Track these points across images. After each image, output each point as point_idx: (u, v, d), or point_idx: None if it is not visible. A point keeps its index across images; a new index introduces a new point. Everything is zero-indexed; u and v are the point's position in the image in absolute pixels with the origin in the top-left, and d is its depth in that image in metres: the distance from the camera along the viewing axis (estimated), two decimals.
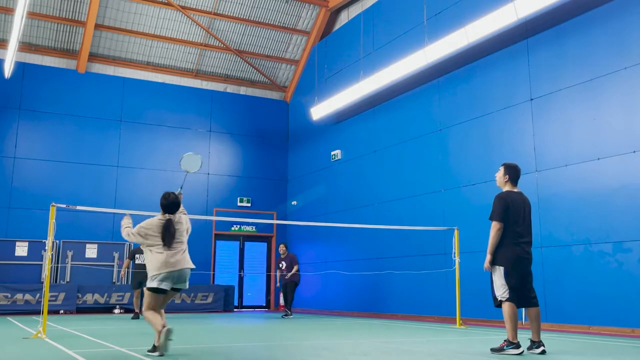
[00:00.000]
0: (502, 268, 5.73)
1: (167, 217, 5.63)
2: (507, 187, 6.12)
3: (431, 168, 12.44)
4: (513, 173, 6.13)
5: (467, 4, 11.69)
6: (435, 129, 12.47)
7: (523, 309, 6.05)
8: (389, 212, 13.51)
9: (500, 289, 5.76)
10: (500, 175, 6.20)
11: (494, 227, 5.82)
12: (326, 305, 15.66)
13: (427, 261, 12.13)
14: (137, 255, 12.35)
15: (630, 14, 8.86)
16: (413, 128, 13.11)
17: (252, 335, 8.25)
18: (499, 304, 5.81)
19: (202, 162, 7.09)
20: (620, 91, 8.88)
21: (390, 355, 5.58)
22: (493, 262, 5.80)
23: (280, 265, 13.69)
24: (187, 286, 5.67)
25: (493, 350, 5.81)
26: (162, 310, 5.64)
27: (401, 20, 13.68)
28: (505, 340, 5.72)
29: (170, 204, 5.68)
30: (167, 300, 5.65)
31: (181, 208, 5.86)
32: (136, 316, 11.88)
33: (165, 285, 5.48)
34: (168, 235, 5.51)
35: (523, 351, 5.62)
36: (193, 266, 5.70)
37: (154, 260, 5.49)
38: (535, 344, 5.78)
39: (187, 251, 5.72)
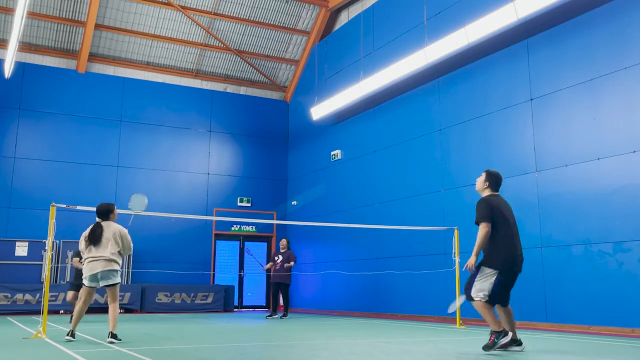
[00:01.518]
0: (494, 272, 5.74)
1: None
2: (486, 193, 6.14)
3: (431, 168, 12.44)
4: (494, 181, 6.15)
5: (467, 4, 11.69)
6: (435, 129, 12.47)
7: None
8: (389, 212, 13.50)
9: (481, 292, 5.77)
10: (481, 180, 6.21)
11: (483, 228, 5.80)
12: (326, 305, 15.66)
13: (427, 261, 12.13)
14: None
15: (630, 14, 8.86)
16: (413, 128, 13.11)
17: (252, 336, 8.25)
18: (471, 299, 5.83)
19: (146, 202, 8.25)
20: (620, 91, 8.88)
21: (390, 355, 5.58)
22: (485, 264, 5.80)
23: (276, 258, 13.23)
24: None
25: (486, 347, 5.74)
26: None
27: (401, 20, 13.68)
28: (492, 334, 5.68)
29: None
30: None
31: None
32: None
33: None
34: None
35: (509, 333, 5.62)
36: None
37: None
38: (517, 342, 5.80)
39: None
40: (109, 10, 15.70)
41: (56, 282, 14.26)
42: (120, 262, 6.86)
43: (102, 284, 6.67)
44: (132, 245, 7.04)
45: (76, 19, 15.61)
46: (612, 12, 9.14)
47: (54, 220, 7.71)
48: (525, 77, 10.44)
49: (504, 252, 5.78)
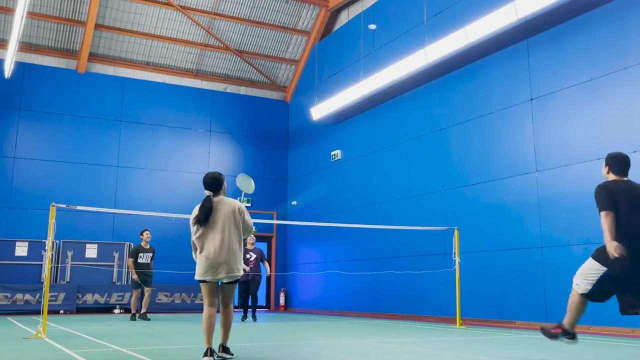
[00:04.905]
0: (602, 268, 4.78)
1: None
2: (611, 177, 5.11)
3: (431, 168, 12.44)
4: (615, 163, 5.08)
5: (467, 4, 11.69)
6: (435, 129, 12.47)
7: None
8: (389, 212, 13.50)
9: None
10: (602, 168, 5.27)
11: (602, 217, 4.82)
12: (326, 305, 15.66)
13: (427, 261, 12.13)
14: (140, 254, 12.07)
15: (630, 14, 8.86)
16: (413, 128, 13.11)
17: (252, 336, 8.25)
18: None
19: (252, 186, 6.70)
20: (620, 91, 8.88)
21: (390, 355, 5.58)
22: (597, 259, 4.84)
23: (249, 256, 11.85)
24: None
25: (545, 331, 5.36)
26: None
27: (401, 20, 13.68)
28: (559, 327, 5.25)
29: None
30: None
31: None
32: (133, 317, 11.78)
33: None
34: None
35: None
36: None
37: None
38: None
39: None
40: (109, 10, 15.70)
41: (56, 282, 14.26)
42: (242, 248, 5.34)
43: (222, 278, 5.12)
44: (253, 225, 5.44)
45: (76, 19, 15.61)
46: (612, 12, 9.13)
47: (54, 220, 7.70)
48: (525, 77, 10.44)
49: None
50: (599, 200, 4.90)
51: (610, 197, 4.83)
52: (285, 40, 17.86)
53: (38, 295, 13.38)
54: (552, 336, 5.20)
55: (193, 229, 5.18)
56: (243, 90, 18.53)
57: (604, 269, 4.74)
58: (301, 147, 17.92)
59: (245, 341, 7.30)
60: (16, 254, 14.21)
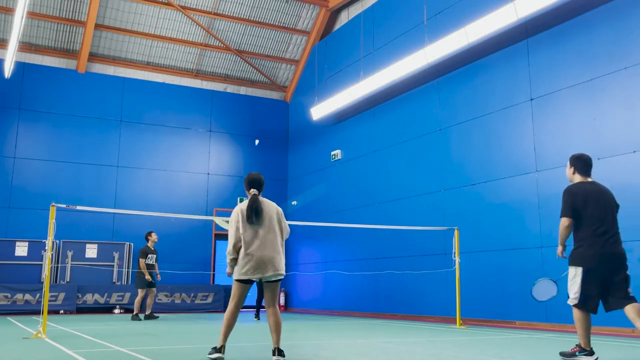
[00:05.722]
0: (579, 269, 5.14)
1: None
2: (577, 179, 5.48)
3: (431, 168, 12.44)
4: (580, 165, 5.43)
5: (467, 4, 11.69)
6: (435, 129, 12.47)
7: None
8: (389, 212, 13.50)
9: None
10: (567, 169, 5.60)
11: (561, 221, 5.29)
12: (326, 305, 15.66)
13: (427, 261, 12.13)
14: (149, 255, 12.12)
15: (630, 14, 8.86)
16: (413, 128, 13.11)
17: (252, 336, 8.25)
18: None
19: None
20: (620, 91, 8.88)
21: (390, 355, 5.58)
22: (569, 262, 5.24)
23: None
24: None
25: (564, 354, 5.35)
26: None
27: (401, 20, 13.68)
28: (577, 346, 5.28)
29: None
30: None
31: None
32: (136, 317, 11.77)
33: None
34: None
35: (597, 358, 5.18)
36: None
37: None
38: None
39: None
40: (109, 10, 15.70)
41: (56, 282, 14.26)
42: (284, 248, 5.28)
43: (268, 277, 5.02)
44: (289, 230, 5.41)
45: (76, 19, 15.61)
46: (612, 12, 9.13)
47: (54, 220, 7.70)
48: (525, 77, 10.44)
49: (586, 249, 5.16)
50: (562, 206, 5.33)
51: (573, 203, 5.24)
52: (285, 40, 17.86)
53: (38, 295, 13.37)
54: (570, 355, 5.30)
55: (237, 226, 5.06)
56: (243, 90, 18.53)
57: (580, 268, 5.13)
58: (301, 147, 17.91)
59: (246, 341, 7.30)
60: (16, 254, 14.21)
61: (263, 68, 18.36)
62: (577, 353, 5.23)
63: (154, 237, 12.28)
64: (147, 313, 12.02)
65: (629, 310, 5.05)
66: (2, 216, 14.77)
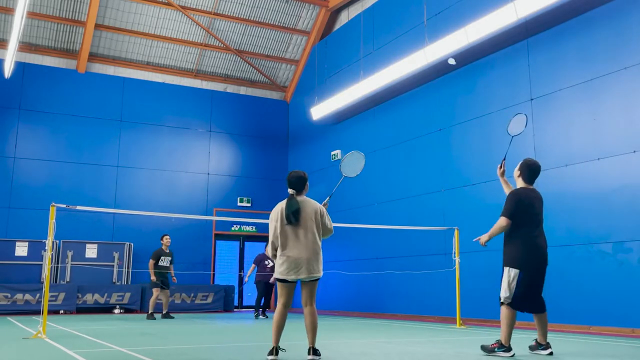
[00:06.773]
0: (516, 270, 5.53)
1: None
2: (520, 184, 5.84)
3: (431, 168, 12.44)
4: (528, 172, 5.80)
5: (467, 4, 11.69)
6: (435, 129, 12.47)
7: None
8: (389, 212, 13.50)
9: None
10: (514, 170, 5.96)
11: (500, 220, 5.66)
12: (326, 305, 15.66)
13: (427, 261, 12.13)
14: (161, 257, 12.47)
15: (630, 14, 8.86)
16: (413, 128, 13.11)
17: (252, 336, 8.25)
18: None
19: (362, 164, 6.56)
20: (620, 91, 8.88)
21: (390, 355, 5.58)
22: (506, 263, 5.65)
23: (267, 262, 13.03)
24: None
25: (484, 348, 5.68)
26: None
27: (401, 20, 13.68)
28: (496, 342, 5.58)
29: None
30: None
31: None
32: (151, 316, 11.96)
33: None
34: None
35: (514, 354, 5.51)
36: None
37: None
38: (542, 345, 5.72)
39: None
40: (109, 10, 15.70)
41: (56, 282, 14.26)
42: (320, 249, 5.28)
43: (304, 277, 5.05)
44: (332, 228, 5.59)
45: (76, 19, 15.61)
46: (612, 12, 9.14)
47: (54, 220, 7.70)
48: (525, 77, 10.44)
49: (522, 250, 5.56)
50: (506, 206, 5.62)
51: (517, 206, 5.53)
52: (285, 40, 17.86)
53: (38, 295, 13.37)
54: (490, 351, 5.60)
55: (275, 225, 5.12)
56: (243, 90, 18.53)
57: (517, 270, 5.54)
58: (301, 147, 17.91)
59: (245, 341, 7.31)
60: (16, 254, 14.22)
61: (263, 68, 18.36)
62: (496, 349, 5.53)
63: (165, 240, 12.65)
64: (163, 312, 12.47)
65: (542, 317, 5.74)
66: (2, 216, 14.76)
